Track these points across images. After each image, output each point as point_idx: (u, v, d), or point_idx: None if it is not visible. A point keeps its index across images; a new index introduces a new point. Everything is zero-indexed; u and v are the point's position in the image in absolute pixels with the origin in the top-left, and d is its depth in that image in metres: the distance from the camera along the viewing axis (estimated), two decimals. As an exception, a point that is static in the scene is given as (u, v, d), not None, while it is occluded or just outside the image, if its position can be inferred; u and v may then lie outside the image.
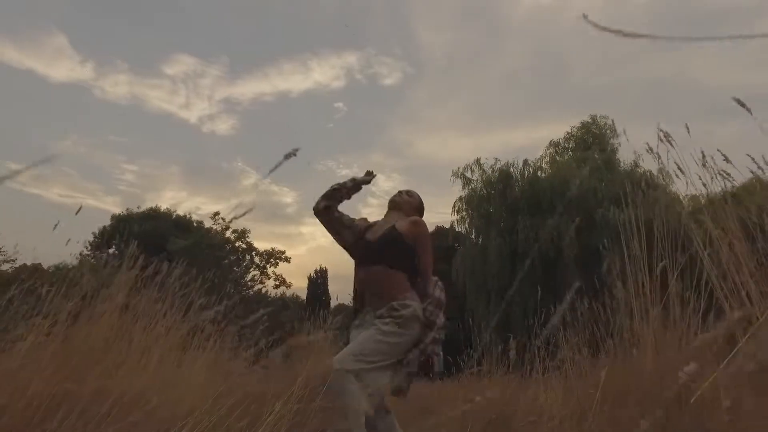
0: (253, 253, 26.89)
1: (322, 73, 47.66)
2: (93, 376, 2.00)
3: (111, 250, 25.24)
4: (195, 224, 25.50)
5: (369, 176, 2.45)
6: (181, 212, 26.80)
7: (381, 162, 48.65)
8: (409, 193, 2.53)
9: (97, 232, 25.55)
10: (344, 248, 2.42)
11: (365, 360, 1.94)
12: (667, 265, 2.31)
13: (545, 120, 38.73)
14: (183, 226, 24.82)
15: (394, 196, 2.50)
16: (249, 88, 47.18)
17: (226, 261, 21.38)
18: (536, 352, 4.01)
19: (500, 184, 17.30)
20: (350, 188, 2.41)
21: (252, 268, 26.76)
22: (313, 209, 2.39)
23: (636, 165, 17.22)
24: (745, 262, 1.98)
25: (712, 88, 35.94)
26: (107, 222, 25.78)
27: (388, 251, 2.18)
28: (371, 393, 1.87)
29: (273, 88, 47.34)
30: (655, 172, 17.12)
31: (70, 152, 37.94)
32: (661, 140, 2.57)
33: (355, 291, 2.25)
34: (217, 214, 25.49)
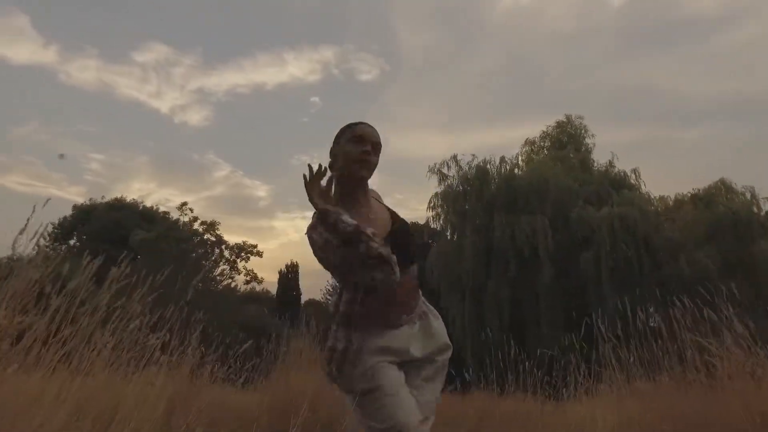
0: (223, 246, 26.08)
1: (299, 66, 46.86)
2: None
3: (72, 242, 24.15)
4: (161, 215, 24.60)
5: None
6: (148, 204, 25.87)
7: (355, 157, 48.11)
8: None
9: (56, 222, 24.38)
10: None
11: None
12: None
13: (521, 120, 39.14)
14: (149, 217, 23.93)
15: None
16: (223, 80, 46.08)
17: (193, 254, 20.63)
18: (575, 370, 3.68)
19: (477, 181, 17.16)
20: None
21: (221, 263, 25.95)
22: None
23: (611, 165, 17.41)
24: None
25: (676, 95, 37.03)
26: (69, 213, 24.64)
27: (406, 244, 1.58)
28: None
29: (248, 80, 46.33)
30: (628, 173, 17.51)
31: (31, 139, 36.20)
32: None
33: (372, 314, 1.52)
34: (184, 204, 24.67)
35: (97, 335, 1.84)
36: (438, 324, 1.65)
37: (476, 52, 43.75)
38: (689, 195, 17.56)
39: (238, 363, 3.49)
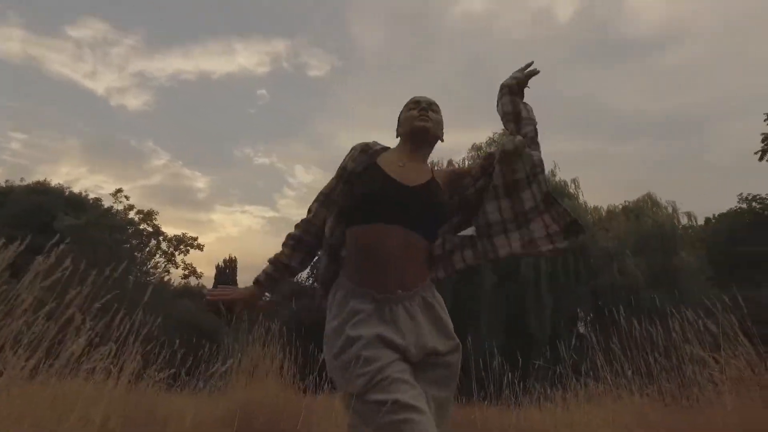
0: (161, 237, 24.64)
1: (248, 57, 45.76)
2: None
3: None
4: (92, 202, 22.90)
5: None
6: (76, 190, 24.04)
7: (301, 153, 47.58)
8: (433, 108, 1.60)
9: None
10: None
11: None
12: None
13: (472, 125, 40.05)
14: (77, 204, 22.23)
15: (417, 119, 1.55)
16: (167, 64, 44.12)
17: (127, 245, 19.38)
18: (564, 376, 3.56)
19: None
20: None
21: (158, 255, 24.54)
22: None
23: (552, 174, 18.05)
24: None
25: (614, 111, 39.34)
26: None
27: (431, 211, 1.45)
28: None
29: (194, 66, 44.60)
30: (568, 182, 18.23)
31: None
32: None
33: (365, 261, 1.38)
34: (119, 191, 23.13)
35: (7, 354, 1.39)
36: (447, 319, 1.41)
37: (431, 56, 44.38)
38: (621, 207, 18.56)
39: (191, 371, 3.16)
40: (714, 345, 2.57)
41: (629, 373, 3.03)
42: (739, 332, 2.41)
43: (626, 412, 2.86)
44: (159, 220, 24.47)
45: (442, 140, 1.65)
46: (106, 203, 23.22)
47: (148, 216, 23.72)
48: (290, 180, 50.60)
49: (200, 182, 47.80)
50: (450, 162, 18.11)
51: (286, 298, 23.18)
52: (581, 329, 16.83)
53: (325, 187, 1.54)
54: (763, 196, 21.56)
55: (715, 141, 42.13)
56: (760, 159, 12.15)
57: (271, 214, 51.28)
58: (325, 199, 1.52)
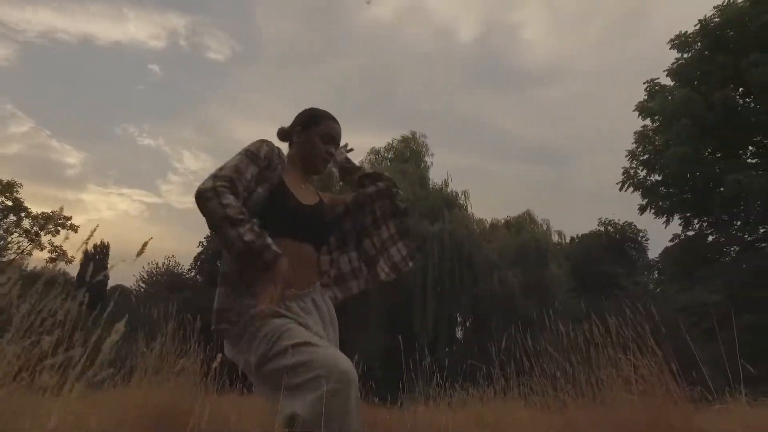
0: (23, 213, 21.09)
1: (140, 27, 42.09)
2: None
3: None
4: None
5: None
6: None
7: (191, 138, 44.87)
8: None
9: None
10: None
11: None
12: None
13: (369, 129, 40.72)
14: None
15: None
16: (37, 17, 38.84)
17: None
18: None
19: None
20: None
21: (17, 233, 21.02)
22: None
23: (445, 184, 19.06)
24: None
25: (500, 133, 42.75)
26: None
27: (322, 228, 1.62)
28: None
29: (72, 26, 39.86)
30: (459, 193, 19.38)
31: None
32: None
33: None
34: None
35: None
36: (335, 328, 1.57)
37: (335, 56, 44.41)
38: (503, 221, 20.19)
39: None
40: (626, 347, 2.90)
41: (557, 373, 3.29)
42: (650, 337, 2.78)
43: (550, 411, 3.11)
44: (21, 194, 21.01)
45: None
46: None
47: (8, 187, 20.26)
48: (176, 165, 47.39)
49: (72, 157, 42.88)
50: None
51: (166, 289, 21.58)
52: (459, 334, 17.97)
53: (235, 169, 1.38)
54: (616, 221, 24.81)
55: (585, 169, 47.55)
56: (620, 189, 14.03)
57: (152, 199, 47.50)
58: (238, 181, 1.38)
